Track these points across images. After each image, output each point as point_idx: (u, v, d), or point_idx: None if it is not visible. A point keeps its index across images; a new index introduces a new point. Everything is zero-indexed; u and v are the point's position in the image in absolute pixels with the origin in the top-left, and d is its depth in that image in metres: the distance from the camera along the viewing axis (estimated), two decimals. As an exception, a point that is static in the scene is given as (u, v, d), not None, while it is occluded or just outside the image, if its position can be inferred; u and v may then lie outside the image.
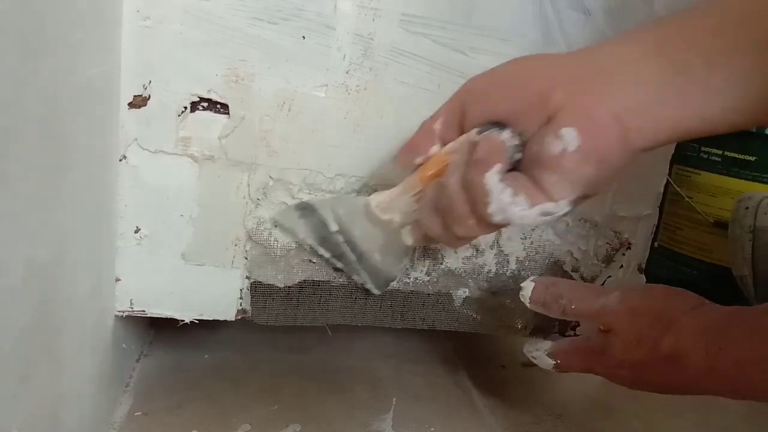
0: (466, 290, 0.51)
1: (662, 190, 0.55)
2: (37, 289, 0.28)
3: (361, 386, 0.53)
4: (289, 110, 0.43)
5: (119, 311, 0.43)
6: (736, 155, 0.75)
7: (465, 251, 0.50)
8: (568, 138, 0.31)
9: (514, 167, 0.34)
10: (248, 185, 0.43)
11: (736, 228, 0.65)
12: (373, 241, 0.44)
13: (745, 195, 0.67)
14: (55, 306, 0.30)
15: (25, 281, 0.26)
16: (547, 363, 0.45)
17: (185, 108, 0.41)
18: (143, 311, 0.44)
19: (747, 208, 0.64)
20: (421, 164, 0.38)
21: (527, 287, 0.45)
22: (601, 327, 0.42)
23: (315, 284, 0.47)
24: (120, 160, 0.41)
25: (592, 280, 0.54)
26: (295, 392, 0.50)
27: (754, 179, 0.74)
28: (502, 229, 0.50)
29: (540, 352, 0.45)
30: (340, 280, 0.47)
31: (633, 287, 0.45)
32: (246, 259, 0.45)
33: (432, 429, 0.48)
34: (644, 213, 0.54)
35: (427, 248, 0.49)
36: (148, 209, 0.42)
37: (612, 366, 0.42)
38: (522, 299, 0.45)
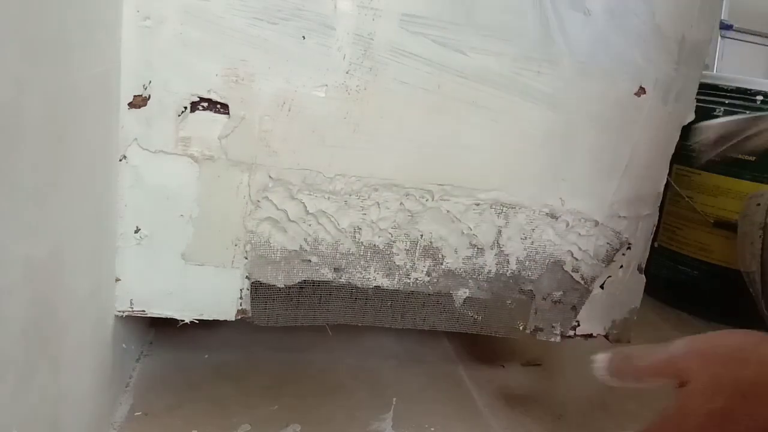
0: (467, 290, 0.51)
1: (662, 190, 0.55)
2: (37, 289, 0.28)
3: (361, 386, 0.53)
4: (289, 110, 0.43)
5: (119, 311, 0.43)
6: (736, 155, 0.75)
7: (465, 251, 0.50)
8: None
9: None
10: (248, 185, 0.43)
11: (746, 224, 0.65)
12: None
13: (756, 192, 0.66)
14: (55, 306, 0.30)
15: (25, 281, 0.26)
16: None
17: (185, 108, 0.41)
18: (143, 311, 0.44)
19: (758, 204, 0.64)
20: None
21: (600, 359, 0.42)
22: (675, 381, 0.39)
23: (315, 284, 0.47)
24: (120, 160, 0.41)
25: (592, 280, 0.54)
26: (295, 392, 0.50)
27: (754, 179, 0.74)
28: (502, 230, 0.50)
29: None
30: (341, 280, 0.47)
31: (695, 336, 0.43)
32: (246, 259, 0.45)
33: (432, 429, 0.48)
34: (644, 213, 0.54)
35: (426, 248, 0.49)
36: (148, 209, 0.42)
37: (697, 425, 0.38)
38: (595, 372, 0.42)
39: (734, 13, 1.21)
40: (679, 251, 0.81)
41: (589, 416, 0.54)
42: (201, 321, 0.46)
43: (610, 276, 0.55)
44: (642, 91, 0.50)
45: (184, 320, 0.45)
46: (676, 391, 0.39)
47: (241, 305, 0.46)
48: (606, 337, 0.57)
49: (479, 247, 0.50)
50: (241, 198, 0.44)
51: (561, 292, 0.53)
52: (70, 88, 0.30)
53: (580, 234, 0.52)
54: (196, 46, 0.40)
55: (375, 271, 0.48)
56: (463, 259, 0.50)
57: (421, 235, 0.48)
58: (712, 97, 0.77)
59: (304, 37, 0.41)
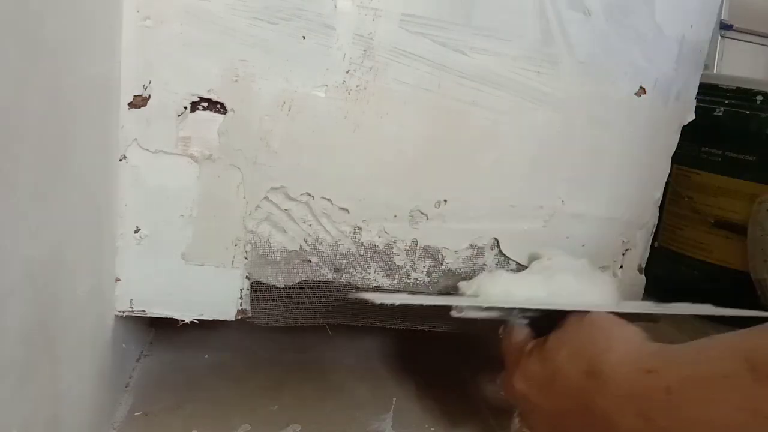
0: (466, 290, 0.51)
1: (662, 190, 0.55)
2: (37, 289, 0.28)
3: (361, 386, 0.53)
4: (289, 110, 0.43)
5: (119, 311, 0.43)
6: (736, 155, 0.75)
7: (466, 251, 0.50)
8: None
9: None
10: (248, 185, 0.43)
11: (757, 230, 0.64)
12: None
13: (765, 196, 0.66)
14: (55, 306, 0.30)
15: (25, 281, 0.26)
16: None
17: (185, 108, 0.41)
18: (143, 311, 0.44)
19: None
20: None
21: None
22: None
23: (315, 284, 0.47)
24: (120, 160, 0.41)
25: (592, 280, 0.54)
26: (295, 392, 0.50)
27: (754, 179, 0.74)
28: (503, 229, 0.50)
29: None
30: (341, 280, 0.47)
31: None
32: (246, 259, 0.45)
33: (432, 429, 0.48)
34: (644, 213, 0.54)
35: (427, 248, 0.49)
36: (148, 209, 0.42)
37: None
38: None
39: (734, 13, 1.21)
40: (679, 251, 0.81)
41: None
42: (201, 321, 0.45)
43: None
44: (642, 91, 0.50)
45: (184, 320, 0.45)
46: None
47: (241, 305, 0.46)
48: (606, 337, 0.57)
49: (479, 246, 0.50)
50: (241, 198, 0.44)
51: (561, 292, 0.53)
52: (70, 88, 0.30)
53: (579, 234, 0.52)
54: (196, 46, 0.40)
55: (375, 272, 0.48)
56: (464, 259, 0.50)
57: (421, 236, 0.48)
58: (712, 97, 0.77)
59: (304, 37, 0.41)
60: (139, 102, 0.40)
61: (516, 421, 0.42)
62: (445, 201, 0.48)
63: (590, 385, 0.34)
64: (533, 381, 0.39)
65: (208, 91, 0.41)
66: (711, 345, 0.31)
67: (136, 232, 0.42)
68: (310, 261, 0.46)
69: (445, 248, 0.49)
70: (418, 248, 0.48)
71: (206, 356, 0.54)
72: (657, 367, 0.31)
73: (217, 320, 0.46)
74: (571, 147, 0.50)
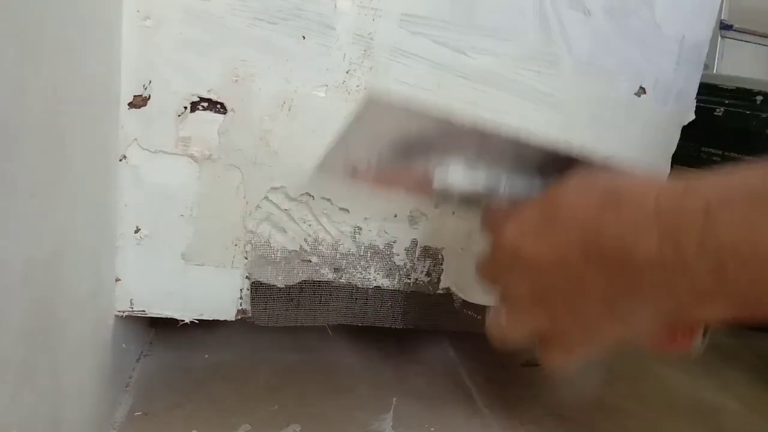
0: (466, 290, 0.51)
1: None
2: (37, 289, 0.28)
3: (361, 386, 0.53)
4: (289, 110, 0.43)
5: (119, 311, 0.43)
6: (736, 155, 0.75)
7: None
8: None
9: None
10: (248, 185, 0.43)
11: None
12: None
13: None
14: (55, 306, 0.30)
15: (25, 281, 0.26)
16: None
17: (185, 108, 0.41)
18: (143, 311, 0.44)
19: None
20: None
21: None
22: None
23: (315, 284, 0.47)
24: (120, 160, 0.41)
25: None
26: (295, 392, 0.50)
27: (754, 179, 0.74)
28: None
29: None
30: (341, 280, 0.47)
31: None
32: (246, 259, 0.45)
33: (432, 429, 0.48)
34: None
35: (427, 248, 0.49)
36: (148, 209, 0.42)
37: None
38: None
39: (734, 13, 1.21)
40: (679, 251, 0.81)
41: (589, 416, 0.54)
42: (201, 321, 0.46)
43: (610, 276, 0.55)
44: (642, 91, 0.50)
45: (184, 320, 0.45)
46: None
47: (241, 305, 0.46)
48: (606, 337, 0.57)
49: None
50: (241, 198, 0.44)
51: (561, 292, 0.53)
52: (70, 88, 0.30)
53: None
54: (197, 46, 0.40)
55: (375, 272, 0.48)
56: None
57: (422, 236, 0.48)
58: (712, 97, 0.77)
59: (304, 37, 0.42)
60: (139, 102, 0.40)
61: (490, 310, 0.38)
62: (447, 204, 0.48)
63: (603, 214, 0.29)
64: (528, 227, 0.32)
65: (208, 91, 0.41)
66: (754, 167, 0.26)
67: (136, 232, 0.42)
68: (310, 261, 0.46)
69: (444, 248, 0.49)
70: (418, 248, 0.48)
71: (206, 356, 0.54)
72: (694, 185, 0.26)
73: (217, 320, 0.46)
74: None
